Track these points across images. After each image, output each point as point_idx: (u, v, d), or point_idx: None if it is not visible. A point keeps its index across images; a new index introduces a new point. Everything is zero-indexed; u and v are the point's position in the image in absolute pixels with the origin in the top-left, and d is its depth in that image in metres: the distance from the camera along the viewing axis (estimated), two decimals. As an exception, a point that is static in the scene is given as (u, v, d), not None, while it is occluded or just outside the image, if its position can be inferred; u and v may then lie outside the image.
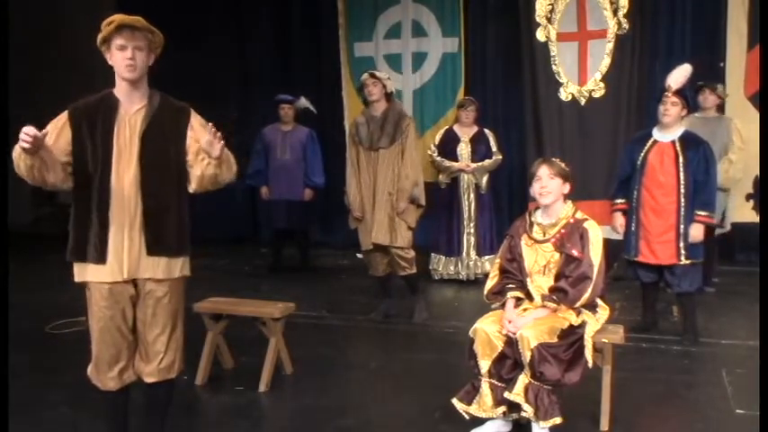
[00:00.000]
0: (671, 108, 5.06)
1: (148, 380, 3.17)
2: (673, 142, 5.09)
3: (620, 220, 5.29)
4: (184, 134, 3.10)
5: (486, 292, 3.88)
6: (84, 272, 3.06)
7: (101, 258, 3.00)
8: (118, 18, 2.96)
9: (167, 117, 3.09)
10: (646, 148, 5.14)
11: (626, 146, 5.52)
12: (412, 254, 5.77)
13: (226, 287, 5.57)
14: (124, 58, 2.98)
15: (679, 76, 5.11)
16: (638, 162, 5.15)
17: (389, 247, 5.65)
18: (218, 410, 4.23)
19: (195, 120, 3.14)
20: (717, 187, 5.37)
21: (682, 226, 5.03)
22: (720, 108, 6.58)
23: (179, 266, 3.14)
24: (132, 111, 3.05)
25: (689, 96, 5.24)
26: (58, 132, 2.99)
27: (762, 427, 2.83)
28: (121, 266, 3.03)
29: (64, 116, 3.03)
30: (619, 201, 5.31)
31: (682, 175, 5.03)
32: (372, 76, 5.70)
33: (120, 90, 3.06)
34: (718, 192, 6.23)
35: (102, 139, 3.00)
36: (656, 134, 5.20)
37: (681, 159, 5.03)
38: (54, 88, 9.15)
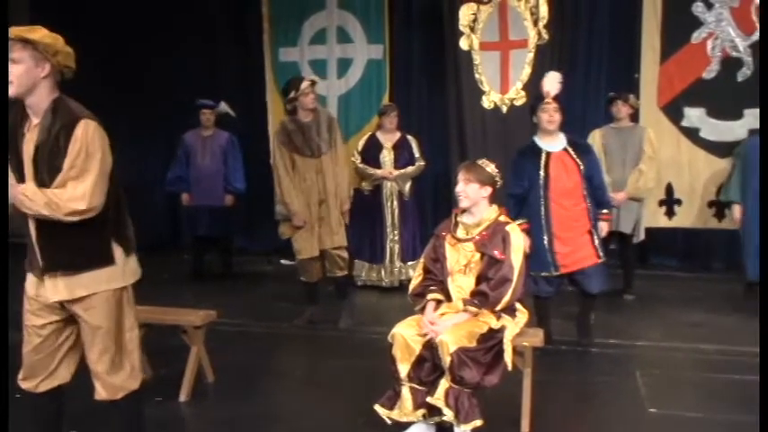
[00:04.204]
0: (555, 114, 4.99)
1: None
2: (565, 150, 5.05)
3: (528, 240, 4.78)
4: (65, 153, 2.82)
5: (409, 291, 3.95)
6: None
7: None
8: None
9: (54, 136, 2.82)
10: (542, 161, 4.98)
11: (515, 163, 5.15)
12: (347, 254, 5.92)
13: (145, 295, 5.41)
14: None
15: (555, 82, 5.06)
16: (540, 177, 4.97)
17: (336, 248, 5.73)
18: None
19: (75, 137, 2.82)
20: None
21: (593, 228, 5.05)
22: (633, 117, 6.78)
23: None
24: (32, 125, 2.86)
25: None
26: None
27: (762, 428, 2.90)
28: None
29: None
30: (522, 221, 4.84)
31: (582, 181, 5.01)
32: (314, 83, 5.70)
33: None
34: (630, 202, 6.49)
35: (14, 153, 2.85)
36: (544, 145, 5.04)
37: (581, 166, 5.00)
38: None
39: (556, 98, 5.03)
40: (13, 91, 2.79)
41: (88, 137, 2.82)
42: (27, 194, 2.78)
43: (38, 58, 2.81)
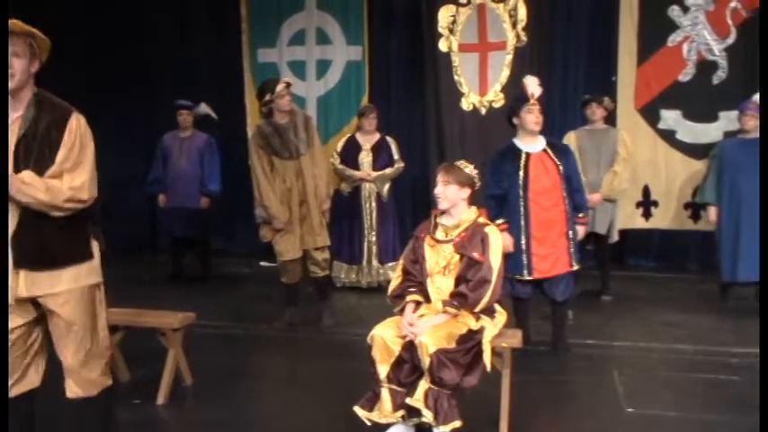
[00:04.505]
0: (540, 116, 5.03)
1: None
2: (545, 151, 5.06)
3: (510, 238, 4.90)
4: (57, 145, 2.84)
5: (389, 292, 3.93)
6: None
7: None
8: None
9: (45, 128, 2.83)
10: (522, 162, 4.98)
11: (494, 164, 5.12)
12: (329, 254, 5.95)
13: (123, 297, 5.38)
14: None
15: (536, 84, 5.07)
16: (520, 177, 4.97)
17: (319, 248, 5.74)
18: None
19: (69, 129, 2.85)
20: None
21: (570, 232, 5.05)
22: (607, 120, 6.82)
23: None
24: (11, 120, 2.82)
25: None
26: None
27: (762, 428, 2.93)
28: None
29: None
30: (501, 221, 4.89)
31: (562, 182, 5.02)
32: (289, 85, 5.69)
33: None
34: (605, 203, 6.55)
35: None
36: (524, 146, 5.04)
37: (560, 167, 5.01)
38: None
39: (538, 100, 5.06)
40: (14, 84, 2.78)
41: (81, 129, 2.87)
42: (25, 180, 2.76)
43: (33, 53, 2.84)
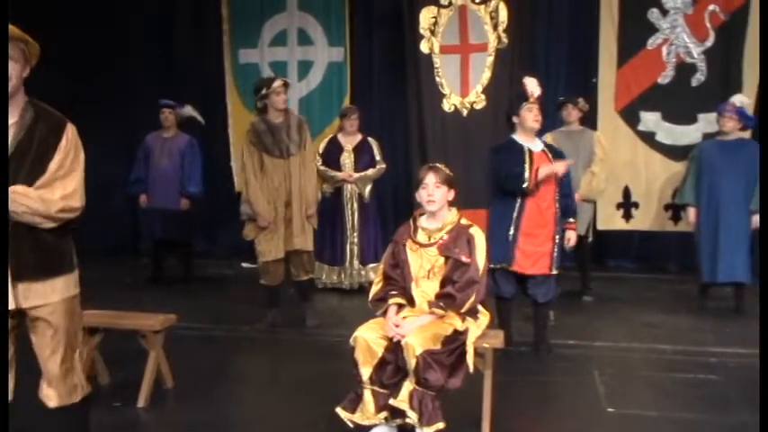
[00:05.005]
0: (539, 115, 5.07)
1: None
2: (544, 152, 5.10)
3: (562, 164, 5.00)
4: (53, 152, 2.83)
5: (370, 297, 3.92)
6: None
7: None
8: None
9: (42, 137, 2.82)
10: (526, 157, 5.00)
11: (497, 154, 5.14)
12: (313, 257, 5.98)
13: (105, 299, 5.35)
14: None
15: (536, 84, 5.10)
16: (525, 170, 4.95)
17: (301, 251, 5.72)
18: (94, 428, 4.04)
19: (66, 138, 2.86)
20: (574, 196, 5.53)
21: (557, 236, 5.06)
22: (583, 121, 6.85)
23: None
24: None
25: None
26: None
27: (762, 428, 2.94)
28: None
29: None
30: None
31: (556, 184, 5.04)
32: (287, 84, 5.71)
33: None
34: (584, 203, 6.58)
35: None
36: (526, 144, 5.08)
37: None
38: None
39: (538, 99, 5.08)
40: (9, 89, 2.76)
41: (75, 138, 2.89)
42: (18, 191, 2.74)
43: (25, 58, 2.83)
